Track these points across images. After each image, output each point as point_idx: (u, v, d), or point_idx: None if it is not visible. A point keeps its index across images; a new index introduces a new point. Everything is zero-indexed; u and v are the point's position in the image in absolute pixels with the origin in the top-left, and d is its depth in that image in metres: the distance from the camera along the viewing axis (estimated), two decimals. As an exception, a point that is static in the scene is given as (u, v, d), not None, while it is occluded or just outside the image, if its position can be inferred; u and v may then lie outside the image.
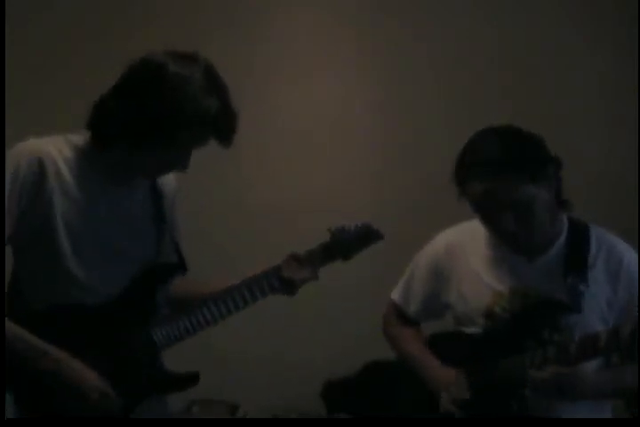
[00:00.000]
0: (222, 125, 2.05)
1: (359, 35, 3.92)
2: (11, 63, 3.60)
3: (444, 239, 2.43)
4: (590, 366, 2.19)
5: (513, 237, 2.21)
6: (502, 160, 2.12)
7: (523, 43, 3.85)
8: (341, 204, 3.82)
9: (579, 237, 2.25)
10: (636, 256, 2.26)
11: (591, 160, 3.79)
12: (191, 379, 2.22)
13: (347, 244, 2.41)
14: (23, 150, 2.04)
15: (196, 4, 3.90)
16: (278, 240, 3.77)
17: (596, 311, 2.21)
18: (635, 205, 3.59)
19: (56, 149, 2.07)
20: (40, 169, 2.02)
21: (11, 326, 1.98)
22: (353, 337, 3.65)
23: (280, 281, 2.30)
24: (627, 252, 2.26)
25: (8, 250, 2.08)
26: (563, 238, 2.25)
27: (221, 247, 3.75)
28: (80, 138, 2.11)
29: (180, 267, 2.24)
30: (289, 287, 2.31)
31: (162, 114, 1.99)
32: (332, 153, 3.91)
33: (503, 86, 3.83)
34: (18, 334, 1.98)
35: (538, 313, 2.22)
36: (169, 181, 2.27)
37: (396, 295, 2.52)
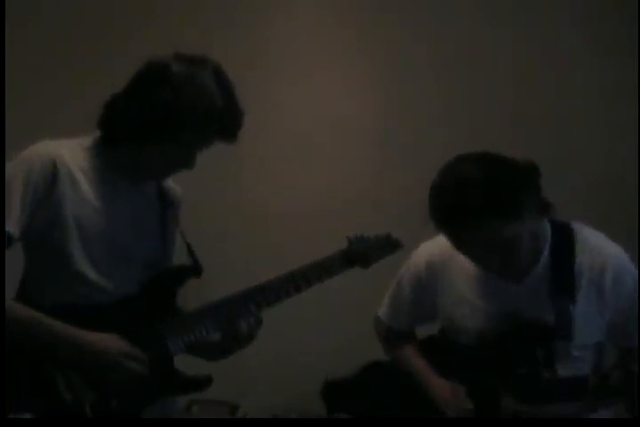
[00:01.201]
0: (228, 124, 2.09)
1: (359, 35, 3.92)
2: (11, 63, 3.60)
3: (424, 257, 2.37)
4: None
5: (495, 271, 2.18)
6: (482, 206, 2.00)
7: (523, 43, 3.85)
8: (341, 204, 3.82)
9: (563, 249, 2.19)
10: (621, 255, 2.21)
11: (591, 160, 3.79)
12: (204, 382, 2.23)
13: (366, 252, 2.41)
14: (37, 152, 2.08)
15: (196, 3, 3.90)
16: (278, 240, 3.79)
17: (591, 325, 2.19)
18: (635, 205, 3.59)
19: (69, 151, 2.11)
20: (53, 171, 2.05)
21: (24, 311, 2.01)
22: (353, 337, 3.65)
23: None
24: (611, 256, 2.20)
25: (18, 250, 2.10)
26: (547, 252, 2.19)
27: (221, 249, 3.74)
28: (91, 140, 2.16)
29: (195, 269, 2.25)
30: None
31: (169, 113, 2.04)
32: (331, 153, 3.91)
33: (503, 86, 3.83)
34: (35, 318, 2.00)
35: (528, 336, 2.20)
36: (175, 187, 2.32)
37: (383, 315, 2.52)
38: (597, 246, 2.21)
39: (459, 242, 2.12)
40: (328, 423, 2.49)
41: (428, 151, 3.80)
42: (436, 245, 2.34)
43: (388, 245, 2.47)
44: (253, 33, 3.89)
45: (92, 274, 2.10)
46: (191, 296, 2.33)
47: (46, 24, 3.87)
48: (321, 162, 3.90)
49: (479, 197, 2.00)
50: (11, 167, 2.05)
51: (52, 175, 2.05)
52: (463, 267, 2.27)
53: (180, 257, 2.26)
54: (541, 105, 3.79)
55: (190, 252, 2.28)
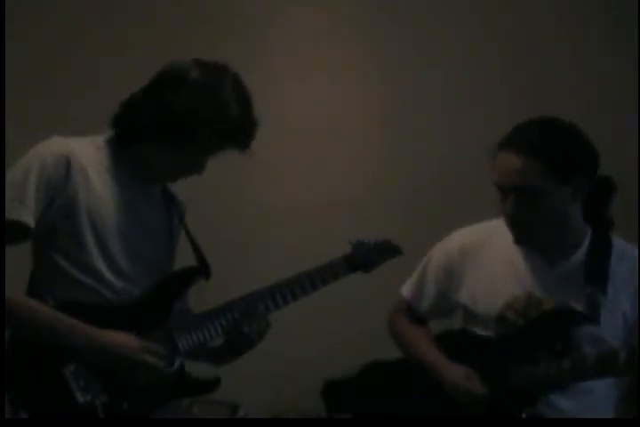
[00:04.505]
0: (241, 133, 2.13)
1: (359, 35, 3.92)
2: (11, 63, 3.60)
3: (458, 239, 2.39)
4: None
5: (510, 221, 2.19)
6: (536, 144, 2.11)
7: (524, 42, 3.86)
8: (342, 204, 3.82)
9: (601, 248, 2.22)
10: None
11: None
12: (212, 383, 2.24)
13: (367, 257, 2.44)
14: (49, 148, 2.09)
15: (196, 4, 3.90)
16: (279, 241, 3.79)
17: (611, 325, 2.19)
18: (635, 204, 3.59)
19: (81, 148, 2.12)
20: (66, 167, 2.07)
21: (42, 308, 2.04)
22: (353, 337, 3.65)
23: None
24: None
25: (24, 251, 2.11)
26: (584, 247, 2.23)
27: (221, 250, 3.74)
28: (103, 139, 2.18)
29: (204, 271, 2.27)
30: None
31: (183, 117, 2.07)
32: (332, 153, 3.91)
33: (504, 86, 3.83)
34: (54, 316, 2.03)
35: (553, 322, 2.20)
36: (180, 193, 2.34)
37: (406, 292, 2.48)
38: (628, 250, 2.26)
39: (500, 174, 2.15)
40: (328, 423, 2.49)
41: (429, 151, 3.81)
42: (470, 234, 2.38)
43: (388, 251, 2.49)
44: (253, 33, 3.90)
45: (103, 269, 2.12)
46: (195, 298, 2.34)
47: (46, 24, 3.87)
48: (321, 161, 3.90)
49: (548, 139, 2.13)
50: (23, 161, 2.08)
51: (66, 169, 2.06)
52: (497, 253, 2.30)
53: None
54: (541, 105, 3.79)
55: (199, 254, 2.30)
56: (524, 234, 2.22)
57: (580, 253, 2.23)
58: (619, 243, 2.27)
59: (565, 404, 2.20)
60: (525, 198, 2.13)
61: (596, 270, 2.19)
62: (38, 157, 2.07)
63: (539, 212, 2.15)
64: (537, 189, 2.12)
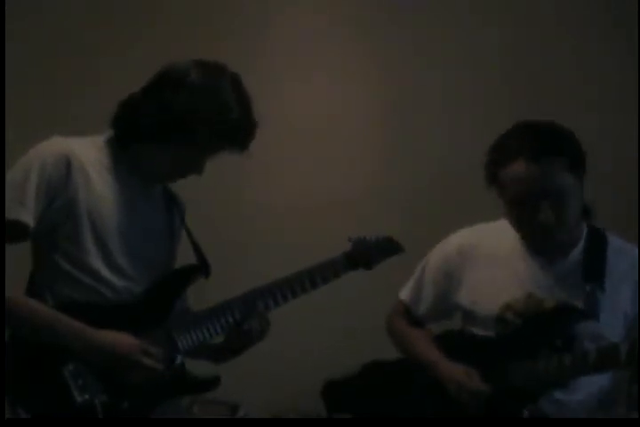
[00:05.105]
0: (241, 134, 2.14)
1: (359, 35, 3.92)
2: (11, 63, 3.60)
3: (456, 241, 2.39)
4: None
5: (544, 229, 2.17)
6: (548, 145, 2.14)
7: (524, 42, 3.85)
8: (342, 203, 3.82)
9: (597, 244, 2.24)
10: None
11: (591, 160, 3.78)
12: (212, 382, 2.24)
13: (368, 254, 2.42)
14: (49, 148, 2.10)
15: (196, 4, 3.90)
16: (277, 241, 3.79)
17: (612, 324, 2.19)
18: (635, 204, 3.59)
19: (81, 148, 2.13)
20: (67, 167, 2.07)
21: (41, 308, 2.04)
22: (354, 336, 3.65)
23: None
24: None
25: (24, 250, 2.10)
26: (581, 244, 2.24)
27: (221, 250, 3.74)
28: (103, 139, 2.18)
29: (204, 270, 2.27)
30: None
31: (183, 117, 2.07)
32: (332, 153, 3.91)
33: (504, 86, 3.83)
34: (54, 316, 2.03)
35: (552, 319, 2.20)
36: (180, 193, 2.34)
37: (405, 296, 2.49)
38: (628, 249, 2.27)
39: (517, 186, 2.14)
40: (328, 423, 2.49)
41: (429, 151, 3.81)
42: (468, 234, 2.39)
43: (389, 248, 2.48)
44: (253, 33, 3.89)
45: (103, 269, 2.12)
46: (194, 297, 2.34)
47: (46, 24, 3.87)
48: (321, 161, 3.90)
49: (546, 138, 2.17)
50: (23, 161, 2.08)
51: (66, 169, 2.07)
52: (495, 253, 2.30)
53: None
54: (541, 105, 3.79)
55: (199, 252, 2.30)
56: (550, 238, 2.20)
57: (577, 252, 2.24)
58: (616, 241, 2.28)
59: (566, 398, 2.21)
60: (552, 203, 2.13)
61: (594, 267, 2.20)
62: (38, 156, 2.07)
63: (568, 210, 2.16)
64: (561, 189, 2.13)
